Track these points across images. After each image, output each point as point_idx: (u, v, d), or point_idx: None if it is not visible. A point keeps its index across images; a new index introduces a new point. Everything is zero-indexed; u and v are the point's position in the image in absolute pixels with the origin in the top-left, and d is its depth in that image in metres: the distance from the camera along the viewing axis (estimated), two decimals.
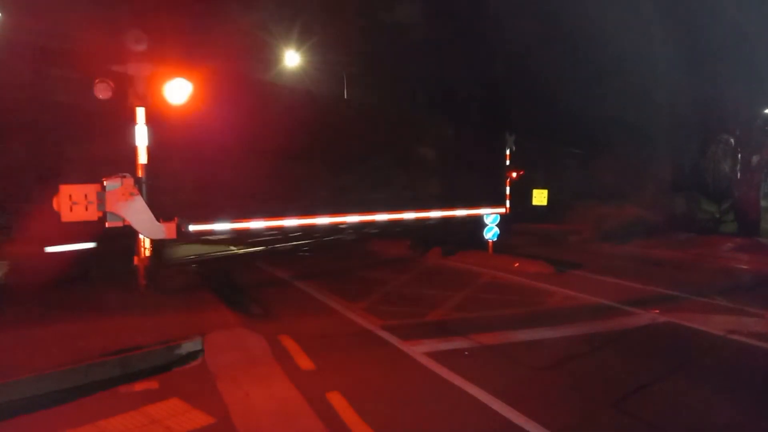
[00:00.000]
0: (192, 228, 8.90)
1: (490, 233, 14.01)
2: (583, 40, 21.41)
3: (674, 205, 22.98)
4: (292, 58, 22.50)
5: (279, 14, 20.81)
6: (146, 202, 8.29)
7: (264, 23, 20.65)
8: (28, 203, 10.24)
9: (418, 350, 7.06)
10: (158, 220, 8.39)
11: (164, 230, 8.43)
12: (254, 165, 18.89)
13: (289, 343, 7.33)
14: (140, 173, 8.67)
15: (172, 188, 12.40)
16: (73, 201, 7.78)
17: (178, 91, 8.76)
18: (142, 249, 8.96)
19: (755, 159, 20.48)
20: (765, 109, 20.62)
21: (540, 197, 16.64)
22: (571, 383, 6.15)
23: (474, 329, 7.97)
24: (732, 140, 21.57)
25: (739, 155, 20.99)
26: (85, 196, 7.85)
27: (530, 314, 9.12)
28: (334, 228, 18.00)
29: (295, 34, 21.81)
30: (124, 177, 8.13)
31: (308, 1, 21.84)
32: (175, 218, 8.57)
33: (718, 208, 23.13)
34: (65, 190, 7.77)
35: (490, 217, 13.89)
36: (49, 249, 10.19)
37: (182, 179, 15.83)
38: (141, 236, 8.72)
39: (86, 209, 7.86)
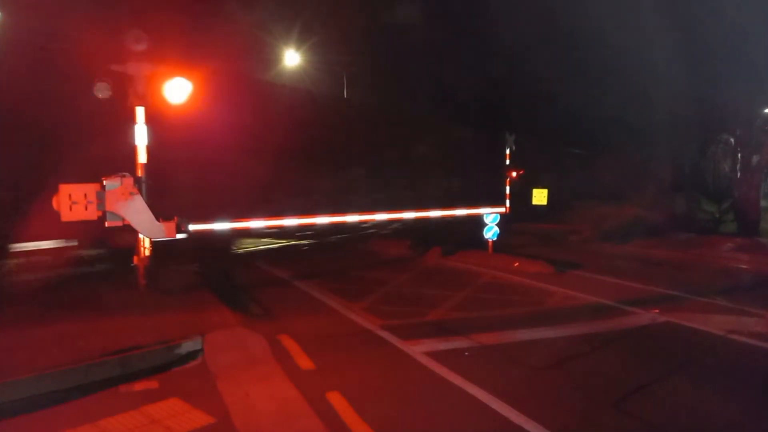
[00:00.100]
0: (192, 227, 8.88)
1: (490, 233, 14.01)
2: (583, 39, 21.39)
3: (674, 205, 22.97)
4: (292, 58, 22.51)
5: (279, 14, 20.81)
6: (146, 202, 8.28)
7: (264, 23, 20.65)
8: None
9: (418, 350, 7.06)
10: (158, 219, 8.38)
11: (164, 230, 8.42)
12: (254, 165, 18.87)
13: (289, 343, 7.33)
14: (140, 173, 8.65)
15: (171, 187, 12.40)
16: (73, 200, 7.76)
17: (177, 90, 8.75)
18: (142, 249, 8.95)
19: (755, 159, 20.45)
20: (765, 109, 20.60)
21: (540, 197, 16.64)
22: (571, 383, 6.15)
23: (474, 329, 7.97)
24: (732, 140, 21.56)
25: (739, 155, 20.96)
26: (85, 195, 7.84)
27: (530, 314, 9.12)
28: (360, 225, 19.27)
29: (295, 34, 21.82)
30: (124, 176, 8.11)
31: (308, 1, 21.84)
32: (175, 218, 8.55)
33: (718, 208, 23.12)
34: (65, 189, 7.76)
35: (490, 217, 13.89)
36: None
37: (182, 179, 15.82)
38: (141, 236, 8.71)
39: (86, 209, 7.84)
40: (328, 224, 12.51)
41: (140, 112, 8.68)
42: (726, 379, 6.32)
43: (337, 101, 25.81)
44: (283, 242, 18.85)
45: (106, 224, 8.10)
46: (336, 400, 5.51)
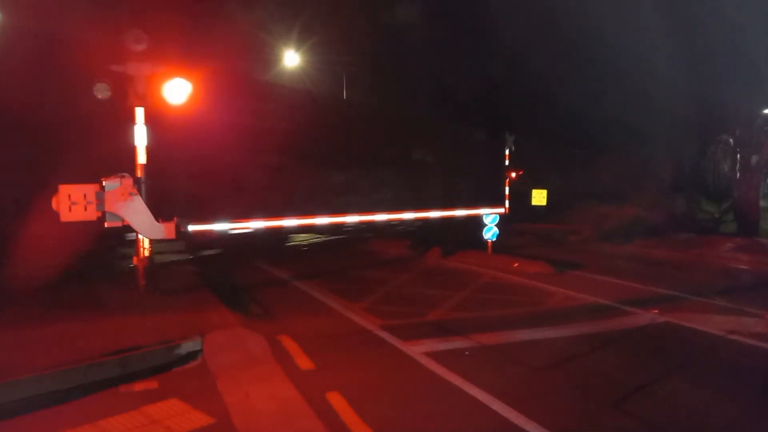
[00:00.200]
0: (191, 228, 8.89)
1: (490, 233, 14.01)
2: (583, 40, 21.40)
3: (674, 205, 22.99)
4: (291, 58, 22.52)
5: (279, 14, 20.82)
6: (145, 202, 8.28)
7: (264, 23, 20.66)
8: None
9: (418, 350, 7.06)
10: (157, 220, 8.38)
11: (163, 230, 8.42)
12: (253, 165, 18.88)
13: (288, 343, 7.32)
14: (139, 173, 8.65)
15: (171, 188, 12.41)
16: (72, 201, 7.77)
17: (177, 91, 8.75)
18: (141, 249, 8.95)
19: (755, 159, 20.48)
20: (764, 109, 20.62)
21: (539, 197, 16.64)
22: (571, 383, 6.15)
23: (474, 329, 7.96)
24: (732, 140, 21.58)
25: (739, 155, 20.99)
26: (84, 196, 7.84)
27: (530, 314, 9.12)
28: (389, 224, 20.34)
29: (295, 34, 21.84)
30: (123, 177, 8.12)
31: (308, 1, 21.84)
32: (174, 218, 8.56)
33: (718, 208, 23.14)
34: (64, 189, 7.76)
35: (490, 217, 13.89)
36: None
37: (182, 179, 15.83)
38: (140, 236, 8.71)
39: (85, 209, 7.85)
40: (328, 224, 12.52)
41: (140, 112, 8.68)
42: (726, 379, 6.32)
43: (336, 101, 25.80)
44: (327, 237, 20.63)
45: (106, 224, 8.10)
46: (336, 400, 5.50)
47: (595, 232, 19.09)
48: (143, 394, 5.70)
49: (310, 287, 11.12)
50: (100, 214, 7.98)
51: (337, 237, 20.66)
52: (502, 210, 13.98)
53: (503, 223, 14.19)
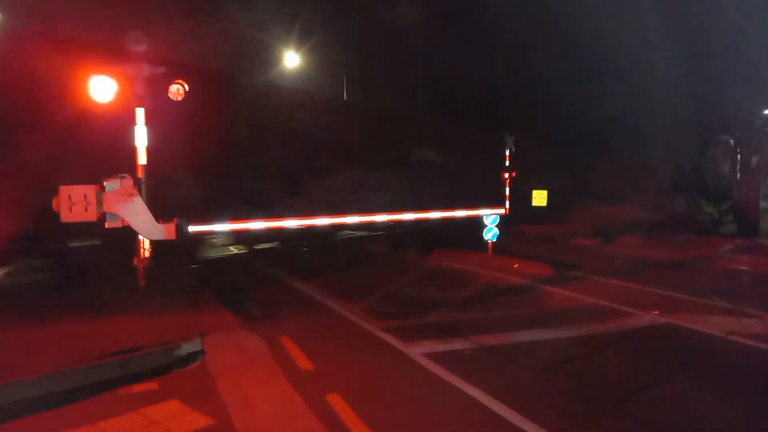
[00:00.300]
0: (191, 229, 8.88)
1: (490, 234, 13.99)
2: (582, 40, 21.40)
3: (674, 206, 22.97)
4: (291, 59, 22.52)
5: (279, 15, 20.82)
6: (146, 203, 8.28)
7: (264, 24, 20.67)
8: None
9: (418, 351, 7.06)
10: (158, 221, 8.38)
11: (164, 231, 8.42)
12: (253, 165, 18.90)
13: (288, 345, 7.33)
14: (139, 174, 8.65)
15: (171, 189, 12.40)
16: (73, 201, 7.76)
17: (176, 91, 8.75)
18: (142, 250, 8.94)
19: (755, 160, 20.48)
20: (765, 110, 20.62)
21: (540, 198, 16.64)
22: (571, 384, 6.15)
23: (473, 330, 7.97)
24: (732, 141, 21.56)
25: (739, 156, 20.98)
26: (85, 196, 7.83)
27: (530, 315, 9.11)
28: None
29: (295, 35, 21.84)
30: (124, 178, 8.11)
31: (308, 2, 21.84)
32: (175, 219, 8.56)
33: (718, 209, 23.12)
34: (64, 190, 7.75)
35: (490, 218, 13.88)
36: None
37: (181, 179, 15.82)
38: (140, 237, 8.70)
39: (85, 210, 7.84)
40: (329, 225, 12.49)
41: (140, 113, 8.67)
42: (725, 380, 6.32)
43: (336, 102, 25.80)
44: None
45: (106, 225, 8.10)
46: (335, 401, 5.51)
47: (594, 233, 19.07)
48: (143, 396, 5.70)
49: (309, 288, 11.13)
50: (100, 214, 7.97)
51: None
52: (502, 211, 13.95)
53: (503, 224, 14.17)
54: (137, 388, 5.91)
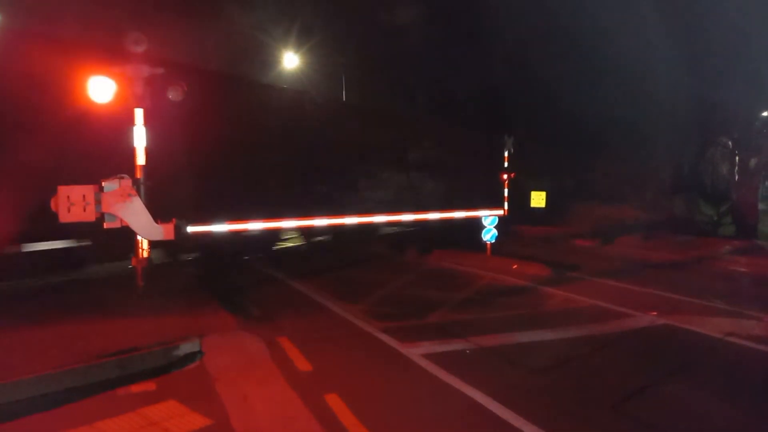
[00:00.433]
0: (190, 229, 8.88)
1: (489, 235, 14.00)
2: (582, 40, 21.42)
3: (673, 207, 23.00)
4: (291, 60, 22.53)
5: (279, 15, 20.84)
6: (144, 204, 8.28)
7: (264, 24, 20.68)
8: None
9: (417, 352, 7.06)
10: (156, 221, 8.38)
11: (162, 231, 8.42)
12: (253, 165, 18.87)
13: (287, 345, 7.32)
14: (138, 174, 8.65)
15: (170, 189, 12.38)
16: (71, 202, 7.76)
17: (175, 92, 8.75)
18: (140, 250, 8.94)
19: (753, 162, 20.51)
20: (763, 112, 20.67)
21: (538, 199, 16.64)
22: (570, 385, 6.15)
23: (472, 331, 7.97)
24: (730, 143, 21.59)
25: (737, 158, 21.01)
26: (83, 197, 7.84)
27: (528, 316, 9.11)
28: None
29: (294, 36, 21.84)
30: (122, 178, 8.11)
31: (307, 2, 21.86)
32: (173, 219, 8.56)
33: (717, 211, 23.15)
34: (63, 191, 7.76)
35: (489, 219, 13.88)
36: None
37: (181, 180, 15.80)
38: (139, 237, 8.70)
39: (84, 210, 7.84)
40: (326, 225, 12.48)
41: (139, 113, 8.67)
42: (724, 381, 6.33)
43: (335, 103, 25.81)
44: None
45: (105, 225, 8.10)
46: (334, 402, 5.51)
47: (593, 234, 19.08)
48: (142, 396, 5.69)
49: (308, 289, 11.11)
50: (98, 215, 7.98)
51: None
52: (501, 212, 13.96)
53: (502, 225, 14.18)
54: (136, 388, 5.90)
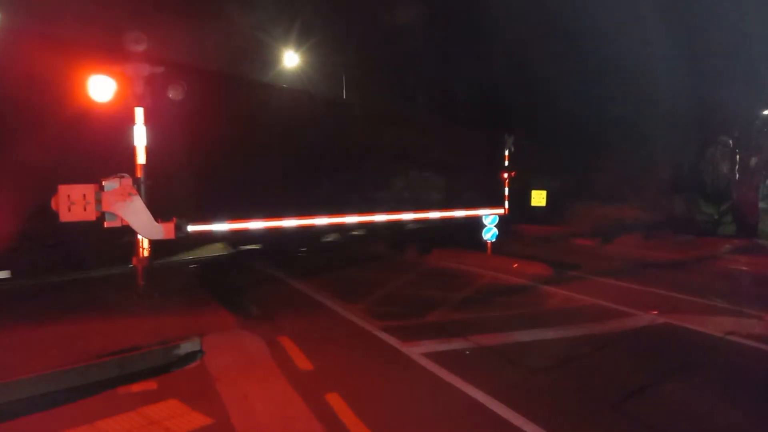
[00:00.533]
0: (190, 228, 8.88)
1: (489, 234, 13.99)
2: (583, 40, 21.41)
3: (673, 207, 22.99)
4: (291, 59, 22.52)
5: (279, 15, 20.82)
6: (145, 203, 8.28)
7: (264, 24, 20.66)
8: None
9: (417, 351, 7.05)
10: (157, 220, 8.38)
11: (162, 231, 8.42)
12: (252, 166, 18.88)
13: (287, 345, 7.32)
14: (139, 173, 8.65)
15: (170, 189, 12.38)
16: (72, 201, 7.77)
17: (175, 91, 8.75)
18: (141, 249, 8.94)
19: (754, 161, 20.50)
20: (764, 111, 20.64)
21: (539, 198, 16.65)
22: (571, 384, 6.15)
23: (473, 330, 7.96)
24: (731, 142, 21.59)
25: (738, 157, 21.00)
26: (84, 196, 7.84)
27: (529, 315, 9.11)
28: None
29: (294, 35, 21.83)
30: (123, 177, 8.12)
31: (307, 2, 21.83)
32: (174, 219, 8.56)
33: (717, 210, 23.15)
34: (63, 190, 7.76)
35: (489, 218, 13.88)
36: None
37: (180, 180, 15.80)
38: (139, 236, 8.70)
39: (84, 209, 7.85)
40: (327, 225, 12.48)
41: (139, 112, 8.67)
42: (725, 380, 6.33)
43: (335, 102, 25.80)
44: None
45: (105, 225, 8.10)
46: (335, 401, 5.50)
47: (594, 234, 19.08)
48: (142, 395, 5.69)
49: (308, 288, 11.11)
50: (99, 214, 7.98)
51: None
52: (501, 211, 13.96)
53: (503, 224, 14.18)
54: (136, 387, 5.90)
